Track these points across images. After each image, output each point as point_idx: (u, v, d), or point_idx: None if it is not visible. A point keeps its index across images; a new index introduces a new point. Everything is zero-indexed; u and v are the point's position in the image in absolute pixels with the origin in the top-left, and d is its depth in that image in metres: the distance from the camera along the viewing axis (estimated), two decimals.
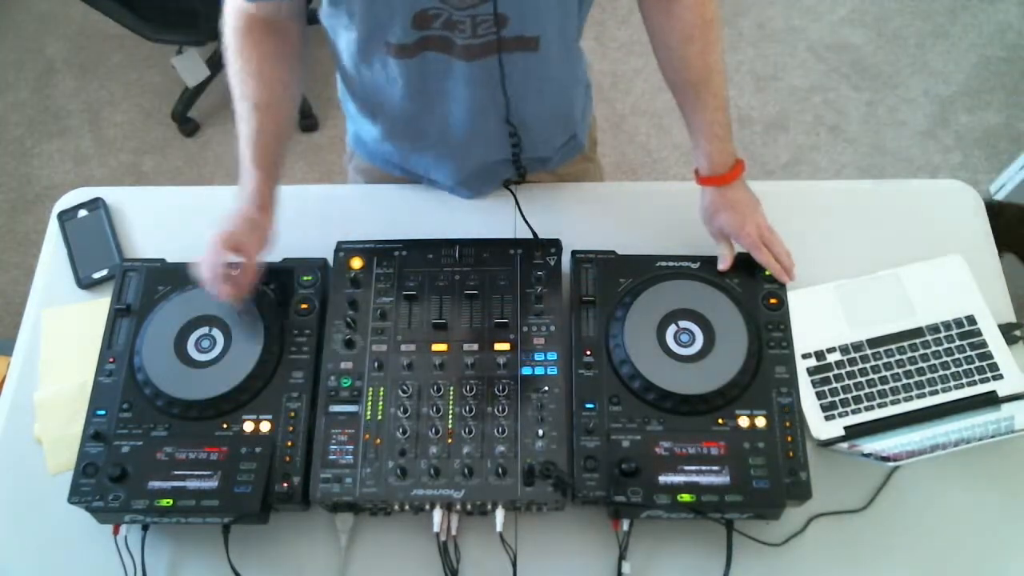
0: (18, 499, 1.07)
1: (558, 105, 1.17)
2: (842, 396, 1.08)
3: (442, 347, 1.03)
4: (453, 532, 1.00)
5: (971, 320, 1.11)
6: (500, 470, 0.96)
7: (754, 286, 1.07)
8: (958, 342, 1.10)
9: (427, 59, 0.99)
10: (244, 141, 1.00)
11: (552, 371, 1.01)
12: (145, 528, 1.00)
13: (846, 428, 1.06)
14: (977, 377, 1.08)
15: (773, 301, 1.06)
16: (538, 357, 1.02)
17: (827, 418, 1.07)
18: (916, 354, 1.10)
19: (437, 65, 1.00)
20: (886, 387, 1.08)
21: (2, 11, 2.85)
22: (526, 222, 1.17)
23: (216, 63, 2.46)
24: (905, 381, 1.08)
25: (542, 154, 1.24)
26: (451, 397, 1.00)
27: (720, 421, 0.98)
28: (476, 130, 1.11)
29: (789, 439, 0.97)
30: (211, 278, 0.96)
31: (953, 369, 1.09)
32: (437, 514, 0.98)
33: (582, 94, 1.23)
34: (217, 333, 1.04)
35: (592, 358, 1.03)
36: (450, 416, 0.99)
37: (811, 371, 1.10)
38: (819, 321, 1.13)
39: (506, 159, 1.19)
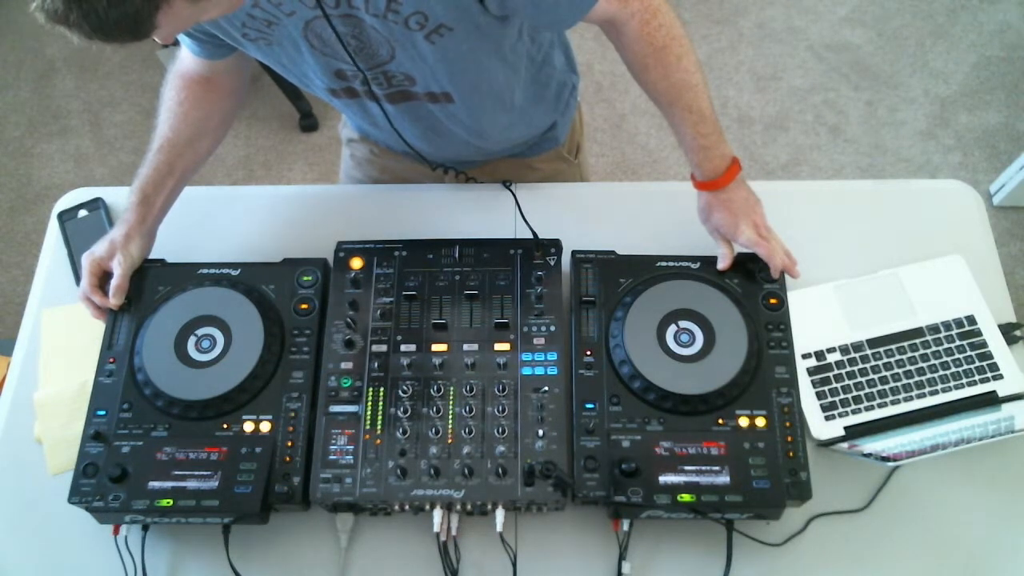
0: (18, 499, 1.07)
1: (507, 125, 1.20)
2: (842, 396, 1.08)
3: (442, 347, 1.03)
4: (453, 532, 1.00)
5: (971, 320, 1.11)
6: (500, 470, 0.96)
7: (754, 286, 1.07)
8: (958, 342, 1.10)
9: (360, 100, 1.08)
10: (142, 165, 1.09)
11: (552, 371, 1.01)
12: (145, 528, 1.00)
13: (846, 428, 1.06)
14: (977, 377, 1.08)
15: (773, 301, 1.06)
16: (538, 357, 1.02)
17: (827, 418, 1.07)
18: (916, 354, 1.10)
19: (371, 105, 1.08)
20: (886, 387, 1.08)
21: (2, 11, 2.85)
22: (526, 222, 1.17)
23: None
24: (905, 381, 1.08)
25: (510, 153, 1.31)
26: (451, 397, 1.00)
27: (720, 421, 0.98)
28: (433, 142, 1.19)
29: (789, 439, 0.97)
30: (86, 291, 1.06)
31: (953, 369, 1.09)
32: (437, 514, 0.98)
33: (551, 99, 1.25)
34: (217, 333, 1.04)
35: (592, 358, 1.03)
36: (450, 416, 0.99)
37: (811, 371, 1.10)
38: (819, 321, 1.13)
39: (475, 156, 1.28)
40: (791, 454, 0.97)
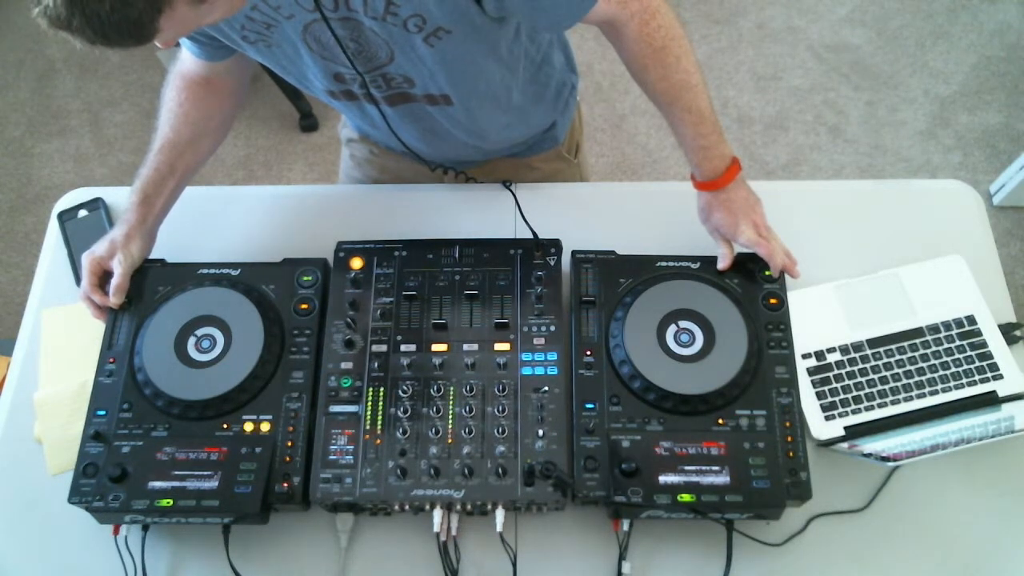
0: (18, 499, 1.07)
1: (506, 125, 1.20)
2: (842, 396, 1.08)
3: (442, 347, 1.03)
4: (453, 532, 1.00)
5: (971, 320, 1.11)
6: (500, 470, 0.96)
7: (754, 286, 1.07)
8: (958, 342, 1.10)
9: (359, 103, 1.08)
10: (143, 166, 1.09)
11: (552, 371, 1.01)
12: (145, 528, 1.00)
13: (846, 428, 1.06)
14: (977, 377, 1.08)
15: (773, 301, 1.06)
16: (538, 357, 1.02)
17: (827, 418, 1.07)
18: (916, 354, 1.10)
19: (369, 107, 1.08)
20: (886, 387, 1.08)
21: (2, 11, 2.85)
22: (526, 222, 1.17)
23: None
24: (905, 381, 1.08)
25: (509, 153, 1.31)
26: (451, 397, 1.00)
27: (720, 421, 0.98)
28: (431, 143, 1.19)
29: (789, 439, 0.97)
30: (86, 291, 1.05)
31: (953, 369, 1.09)
32: (437, 514, 0.98)
33: (550, 99, 1.25)
34: (217, 333, 1.04)
35: (592, 358, 1.03)
36: (450, 416, 0.99)
37: (811, 371, 1.10)
38: (819, 321, 1.13)
39: (474, 156, 1.28)
40: (791, 454, 0.97)
